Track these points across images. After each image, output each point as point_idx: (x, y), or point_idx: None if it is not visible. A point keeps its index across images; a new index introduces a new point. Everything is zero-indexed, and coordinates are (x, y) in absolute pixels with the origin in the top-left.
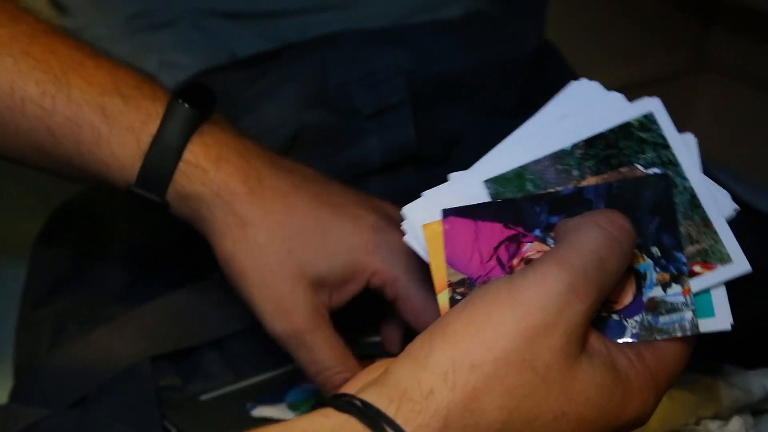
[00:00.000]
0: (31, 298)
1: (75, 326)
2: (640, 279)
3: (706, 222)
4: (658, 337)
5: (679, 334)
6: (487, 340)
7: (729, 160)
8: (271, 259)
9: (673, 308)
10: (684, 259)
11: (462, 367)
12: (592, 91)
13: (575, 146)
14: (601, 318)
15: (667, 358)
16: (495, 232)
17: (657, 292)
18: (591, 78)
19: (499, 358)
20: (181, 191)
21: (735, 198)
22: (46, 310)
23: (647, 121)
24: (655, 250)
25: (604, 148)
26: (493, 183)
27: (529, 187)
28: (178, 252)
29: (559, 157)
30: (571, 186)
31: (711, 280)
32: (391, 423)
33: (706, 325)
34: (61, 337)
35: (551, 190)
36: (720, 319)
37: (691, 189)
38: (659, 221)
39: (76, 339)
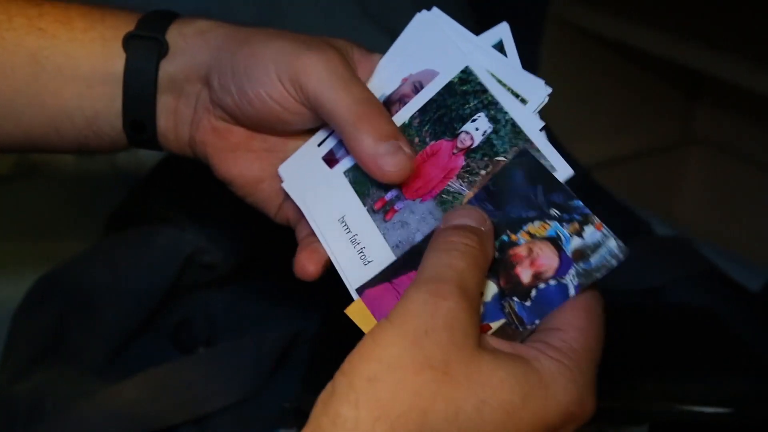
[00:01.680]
0: (7, 373)
1: (52, 402)
2: (557, 242)
3: (530, 143)
4: (598, 275)
5: (614, 263)
6: (377, 355)
7: (717, 234)
8: None
9: (596, 246)
10: (580, 203)
11: (360, 384)
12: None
13: (412, 117)
14: (542, 290)
15: (576, 336)
16: (412, 279)
17: (576, 242)
18: (583, 151)
19: (392, 364)
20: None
21: (723, 276)
22: (23, 386)
23: (465, 75)
24: (553, 211)
25: (436, 110)
26: (351, 171)
27: None
28: (162, 325)
29: (402, 131)
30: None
31: None
32: None
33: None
34: (37, 415)
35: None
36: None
37: (511, 119)
38: (542, 188)
39: (52, 416)
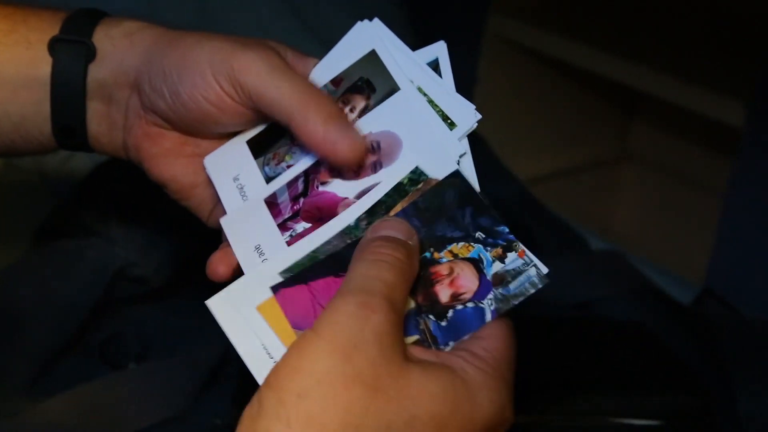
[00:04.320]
0: None
1: None
2: (478, 264)
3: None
4: (515, 302)
5: (532, 291)
6: (306, 369)
7: (650, 248)
8: None
9: (517, 272)
10: (507, 230)
11: (290, 401)
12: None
13: (359, 219)
14: (459, 312)
15: (498, 345)
16: (329, 284)
17: (497, 266)
18: (519, 165)
19: (322, 380)
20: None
21: (656, 290)
22: None
23: (415, 176)
24: (479, 234)
25: (386, 210)
26: (289, 272)
27: None
28: (91, 341)
29: (346, 233)
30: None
31: None
32: None
33: None
34: None
35: (349, 240)
36: None
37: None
38: (471, 210)
39: None
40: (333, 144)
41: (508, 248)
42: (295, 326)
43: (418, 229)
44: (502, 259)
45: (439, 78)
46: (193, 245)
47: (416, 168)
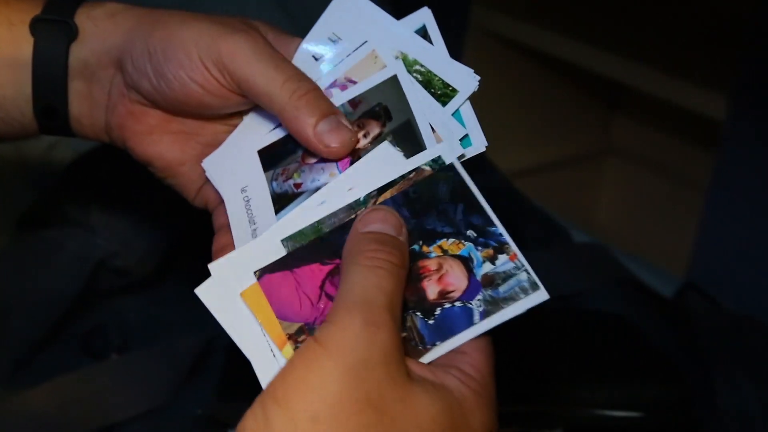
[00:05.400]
0: None
1: None
2: (468, 263)
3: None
4: (505, 306)
5: (522, 296)
6: (317, 390)
7: (633, 241)
8: None
9: (507, 275)
10: (499, 231)
11: (304, 426)
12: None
13: (369, 196)
14: (447, 311)
15: (483, 360)
16: (314, 272)
17: (487, 267)
18: (503, 158)
19: (335, 403)
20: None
21: (638, 283)
22: None
23: (436, 165)
24: (470, 232)
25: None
26: (290, 240)
27: None
28: (73, 332)
29: (353, 207)
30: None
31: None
32: None
33: (468, 153)
34: None
35: (353, 216)
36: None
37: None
38: (463, 207)
39: None
40: (326, 144)
41: (500, 250)
42: (280, 316)
43: (407, 220)
44: (492, 260)
45: (430, 45)
46: (175, 237)
47: (439, 157)
